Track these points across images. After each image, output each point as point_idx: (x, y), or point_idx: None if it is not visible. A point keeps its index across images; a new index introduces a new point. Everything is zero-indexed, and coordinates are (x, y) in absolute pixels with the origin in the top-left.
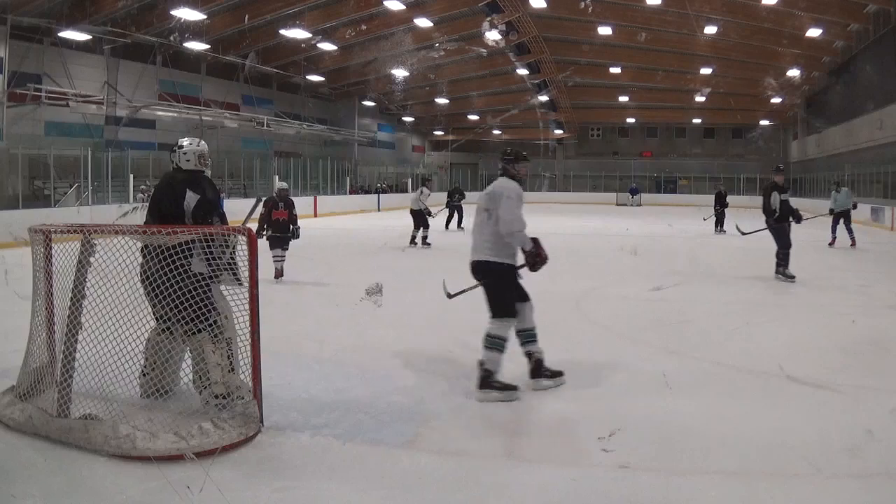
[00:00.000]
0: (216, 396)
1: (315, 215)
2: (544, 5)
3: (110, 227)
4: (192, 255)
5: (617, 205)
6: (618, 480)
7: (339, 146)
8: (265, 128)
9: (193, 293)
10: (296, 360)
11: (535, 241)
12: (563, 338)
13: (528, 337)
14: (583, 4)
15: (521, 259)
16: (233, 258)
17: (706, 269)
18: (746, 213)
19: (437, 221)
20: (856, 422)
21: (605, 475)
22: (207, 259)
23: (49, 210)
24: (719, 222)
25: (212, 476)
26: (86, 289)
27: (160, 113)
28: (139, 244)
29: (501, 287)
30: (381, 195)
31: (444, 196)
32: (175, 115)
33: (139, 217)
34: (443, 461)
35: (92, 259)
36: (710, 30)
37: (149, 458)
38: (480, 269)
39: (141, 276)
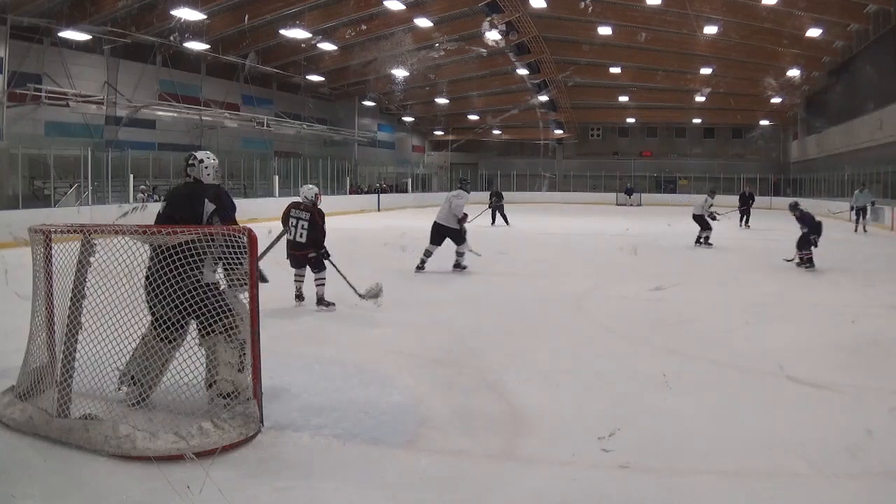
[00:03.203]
0: (221, 395)
1: None
2: (544, 5)
3: (110, 227)
4: (203, 265)
5: (617, 205)
6: (618, 480)
7: (339, 146)
8: (265, 128)
9: (205, 301)
10: (296, 360)
11: None
12: (563, 337)
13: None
14: (583, 4)
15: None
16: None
17: (706, 269)
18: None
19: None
20: (856, 422)
21: (605, 475)
22: (225, 267)
23: (49, 210)
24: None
25: (212, 476)
26: (86, 289)
27: (160, 113)
28: (148, 250)
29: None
30: (380, 195)
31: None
32: (175, 115)
33: (139, 217)
34: (443, 461)
35: (92, 259)
36: (710, 30)
37: (149, 458)
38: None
39: (147, 282)
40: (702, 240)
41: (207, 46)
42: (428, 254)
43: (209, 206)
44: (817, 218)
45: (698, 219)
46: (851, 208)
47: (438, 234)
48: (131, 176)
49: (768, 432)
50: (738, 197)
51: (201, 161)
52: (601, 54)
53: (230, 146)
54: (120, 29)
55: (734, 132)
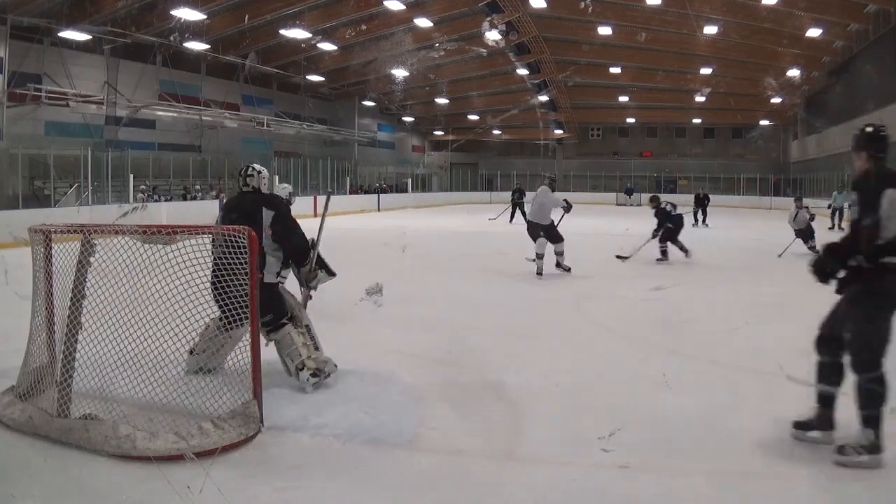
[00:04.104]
0: (313, 375)
1: (315, 215)
2: (544, 5)
3: (110, 227)
4: (263, 269)
5: (617, 205)
6: (618, 480)
7: (339, 146)
8: (265, 128)
9: (269, 299)
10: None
11: None
12: (563, 338)
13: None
14: (583, 4)
15: None
16: (319, 256)
17: (706, 269)
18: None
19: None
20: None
21: (605, 475)
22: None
23: (49, 210)
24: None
25: (212, 476)
26: (86, 289)
27: (160, 113)
28: (212, 255)
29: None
30: (380, 195)
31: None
32: (175, 115)
33: (139, 217)
34: (443, 461)
35: (92, 259)
36: (710, 30)
37: (149, 458)
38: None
39: (213, 282)
40: (814, 248)
41: (207, 46)
42: (539, 255)
43: (268, 214)
44: (676, 211)
45: (800, 232)
46: (829, 207)
47: (535, 232)
48: (131, 176)
49: (768, 432)
50: (693, 197)
51: (259, 172)
52: (601, 54)
53: (230, 146)
54: (120, 29)
55: (734, 132)
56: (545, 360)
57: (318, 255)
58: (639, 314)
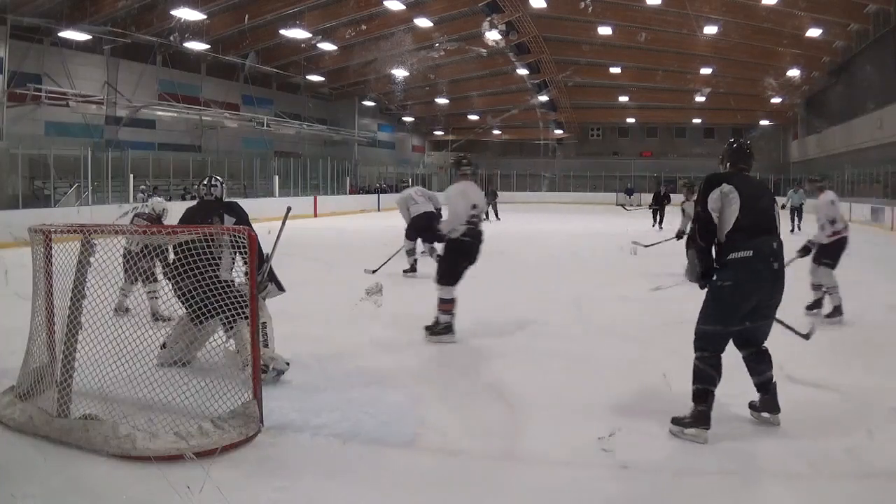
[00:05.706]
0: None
1: (315, 215)
2: (544, 5)
3: (110, 227)
4: (219, 265)
5: (617, 205)
6: (618, 480)
7: (339, 146)
8: (265, 128)
9: (226, 296)
10: (295, 360)
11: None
12: (563, 338)
13: None
14: (583, 4)
15: None
16: (271, 270)
17: None
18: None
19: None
20: (856, 422)
21: (605, 475)
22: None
23: (49, 210)
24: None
25: (212, 476)
26: (86, 289)
27: (160, 113)
28: (167, 251)
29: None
30: (380, 195)
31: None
32: (175, 115)
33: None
34: (443, 461)
35: (92, 259)
36: (710, 30)
37: (149, 458)
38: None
39: (169, 278)
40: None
41: (207, 46)
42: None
43: (229, 220)
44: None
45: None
46: (783, 207)
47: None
48: (131, 176)
49: (768, 432)
50: (653, 195)
51: (222, 183)
52: (601, 54)
53: (230, 146)
54: (120, 29)
55: (734, 132)
56: (545, 360)
57: (270, 269)
58: (639, 314)
